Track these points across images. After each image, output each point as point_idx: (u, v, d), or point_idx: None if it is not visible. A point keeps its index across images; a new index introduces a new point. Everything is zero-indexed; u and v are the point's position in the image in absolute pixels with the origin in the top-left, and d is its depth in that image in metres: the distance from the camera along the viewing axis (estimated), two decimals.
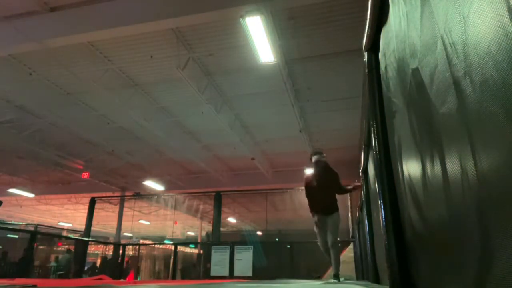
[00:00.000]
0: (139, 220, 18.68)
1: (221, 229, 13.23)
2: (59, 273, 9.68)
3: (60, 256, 10.57)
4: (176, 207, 15.39)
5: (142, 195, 14.51)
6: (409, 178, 1.33)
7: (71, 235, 15.04)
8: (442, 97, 0.83)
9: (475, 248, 0.70)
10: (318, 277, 7.50)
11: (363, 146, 3.55)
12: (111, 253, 11.94)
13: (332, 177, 5.13)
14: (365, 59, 2.07)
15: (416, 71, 1.05)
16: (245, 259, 8.90)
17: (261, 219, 17.36)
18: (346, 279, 7.81)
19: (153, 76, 7.78)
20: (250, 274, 8.63)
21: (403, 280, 1.47)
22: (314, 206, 5.03)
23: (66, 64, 7.29)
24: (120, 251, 10.58)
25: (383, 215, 1.65)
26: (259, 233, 21.27)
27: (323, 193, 5.00)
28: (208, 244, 12.40)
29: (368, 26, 1.87)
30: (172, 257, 10.59)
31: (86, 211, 11.45)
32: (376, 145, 1.83)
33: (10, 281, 4.31)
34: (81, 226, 14.17)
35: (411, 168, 1.30)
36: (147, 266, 13.46)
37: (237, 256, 8.99)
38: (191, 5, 5.22)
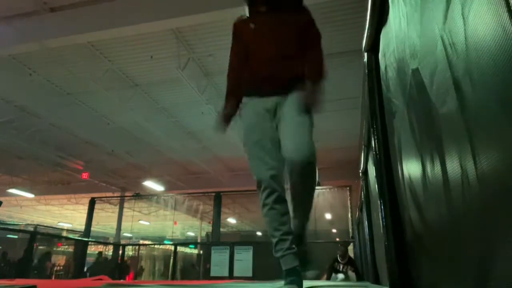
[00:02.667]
0: (139, 220, 18.67)
1: (221, 229, 13.22)
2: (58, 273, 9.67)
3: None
4: (176, 207, 15.38)
5: (142, 195, 14.49)
6: (409, 178, 1.33)
7: (71, 235, 15.04)
8: (442, 98, 0.83)
9: (475, 249, 0.69)
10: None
11: (363, 147, 3.55)
12: (111, 253, 11.94)
13: (303, 18, 2.09)
14: (365, 59, 2.07)
15: (416, 71, 1.05)
16: (245, 259, 8.89)
17: (261, 220, 17.34)
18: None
19: (153, 77, 7.79)
20: (250, 274, 8.62)
21: (403, 280, 1.47)
22: (257, 76, 2.09)
23: (66, 65, 7.29)
24: (120, 252, 10.59)
25: (383, 216, 1.65)
26: (259, 233, 21.26)
27: (281, 48, 2.05)
28: (208, 244, 12.39)
29: (368, 27, 1.88)
30: (172, 257, 10.60)
31: (86, 211, 11.44)
32: (376, 145, 1.83)
33: (10, 281, 4.30)
34: (81, 227, 14.16)
35: (411, 168, 1.30)
36: (147, 266, 13.46)
37: (237, 256, 8.98)
38: (191, 5, 5.22)
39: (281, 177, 1.91)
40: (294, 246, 1.83)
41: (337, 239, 14.34)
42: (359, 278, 7.71)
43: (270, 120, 2.03)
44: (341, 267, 7.95)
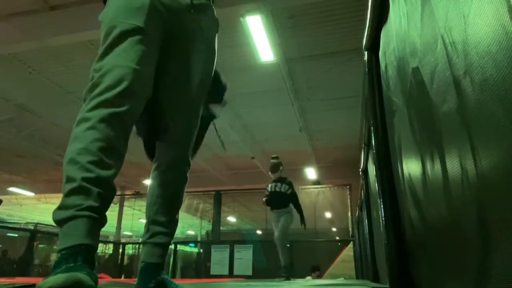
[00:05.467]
0: (139, 218, 18.68)
1: (221, 228, 13.24)
2: None
3: None
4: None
5: (142, 194, 14.49)
6: (409, 177, 1.33)
7: None
8: (442, 96, 0.83)
9: (475, 247, 0.70)
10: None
11: (363, 145, 3.55)
12: (110, 251, 11.95)
13: None
14: (365, 58, 2.07)
15: (416, 70, 1.05)
16: (245, 258, 8.91)
17: (261, 218, 17.36)
18: (345, 278, 7.81)
19: None
20: (249, 273, 8.64)
21: (403, 279, 1.47)
22: None
23: (66, 63, 7.29)
24: (120, 250, 10.60)
25: (382, 214, 1.65)
26: (258, 232, 21.29)
27: None
28: (208, 243, 12.41)
29: (368, 25, 1.87)
30: (172, 256, 10.61)
31: None
32: (376, 144, 1.83)
33: (10, 279, 4.31)
34: None
35: (411, 167, 1.30)
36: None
37: (236, 255, 9.00)
38: None
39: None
40: (98, 205, 0.98)
41: (337, 238, 14.36)
42: (302, 218, 5.84)
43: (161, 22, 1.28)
44: (270, 186, 5.80)
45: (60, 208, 0.97)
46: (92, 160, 1.00)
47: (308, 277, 7.73)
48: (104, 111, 1.04)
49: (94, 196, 0.97)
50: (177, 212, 1.49)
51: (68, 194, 0.97)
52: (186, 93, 1.43)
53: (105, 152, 1.02)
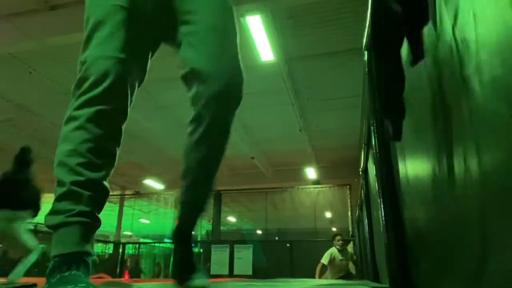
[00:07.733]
0: (139, 218, 18.68)
1: (221, 228, 13.24)
2: None
3: None
4: (176, 206, 15.35)
5: (142, 194, 14.50)
6: (409, 177, 1.33)
7: None
8: (442, 96, 0.83)
9: (476, 248, 0.70)
10: None
11: (363, 145, 3.56)
12: (110, 251, 11.95)
13: None
14: (365, 58, 2.07)
15: (416, 69, 1.05)
16: (245, 258, 8.90)
17: (261, 218, 17.36)
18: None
19: (153, 75, 7.75)
20: (250, 273, 8.63)
21: (403, 279, 1.47)
22: None
23: (66, 63, 7.28)
24: (120, 250, 10.60)
25: (383, 214, 1.65)
26: (259, 231, 21.29)
27: None
28: (208, 242, 12.41)
29: (368, 25, 1.87)
30: (171, 256, 10.60)
31: None
32: (376, 144, 1.83)
33: None
34: None
35: (411, 167, 1.30)
36: (147, 265, 13.45)
37: (236, 255, 8.99)
38: None
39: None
40: (89, 210, 0.96)
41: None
42: None
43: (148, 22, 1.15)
44: None
45: (51, 213, 0.95)
46: (81, 162, 0.97)
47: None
48: (91, 110, 0.99)
49: (85, 200, 0.95)
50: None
51: (58, 199, 0.95)
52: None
53: (94, 153, 0.99)
